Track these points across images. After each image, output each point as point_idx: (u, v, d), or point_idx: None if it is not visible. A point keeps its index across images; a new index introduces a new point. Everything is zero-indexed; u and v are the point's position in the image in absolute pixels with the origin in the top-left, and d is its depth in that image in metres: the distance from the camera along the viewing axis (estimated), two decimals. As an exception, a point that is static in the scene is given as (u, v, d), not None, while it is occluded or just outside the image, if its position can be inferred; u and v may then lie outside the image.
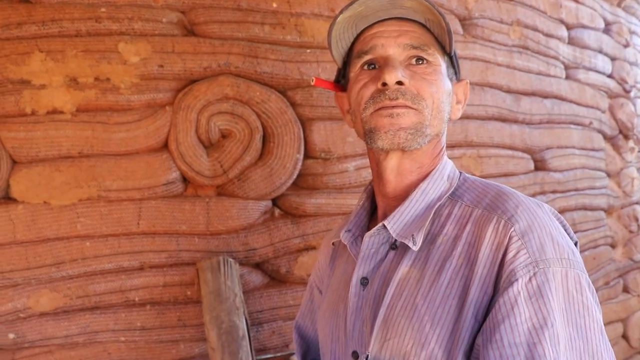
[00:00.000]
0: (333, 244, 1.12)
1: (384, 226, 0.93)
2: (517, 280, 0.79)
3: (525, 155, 3.05)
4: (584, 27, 3.63)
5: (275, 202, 2.20)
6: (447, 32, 0.91)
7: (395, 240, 0.93)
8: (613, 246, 3.87)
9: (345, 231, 1.03)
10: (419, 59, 0.92)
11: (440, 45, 0.95)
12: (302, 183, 2.21)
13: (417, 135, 0.90)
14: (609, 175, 3.86)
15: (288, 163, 2.14)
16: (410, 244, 0.89)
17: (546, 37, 3.25)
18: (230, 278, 1.97)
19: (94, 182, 1.96)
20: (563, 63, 3.41)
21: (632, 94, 4.24)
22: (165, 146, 2.04)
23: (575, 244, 0.90)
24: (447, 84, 0.95)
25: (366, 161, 2.30)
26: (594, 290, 0.84)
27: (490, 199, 0.89)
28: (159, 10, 2.05)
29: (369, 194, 1.07)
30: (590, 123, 3.62)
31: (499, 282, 0.81)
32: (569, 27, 3.50)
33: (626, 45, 4.20)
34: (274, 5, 2.19)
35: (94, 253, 1.97)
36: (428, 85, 0.91)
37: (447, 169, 0.98)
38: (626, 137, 4.10)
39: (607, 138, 3.88)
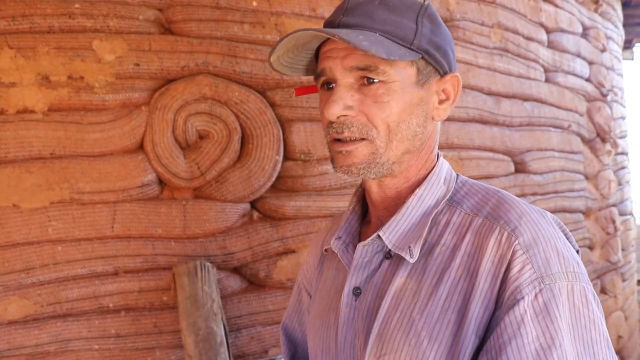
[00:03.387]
0: (326, 250, 1.06)
1: (379, 236, 0.89)
2: (523, 298, 0.76)
3: (505, 157, 3.04)
4: (563, 31, 3.65)
5: (253, 204, 2.15)
6: (384, 58, 0.79)
7: (390, 249, 0.89)
8: (591, 248, 3.90)
9: (336, 238, 0.98)
10: (370, 78, 0.84)
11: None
12: (282, 185, 2.17)
13: (371, 167, 0.86)
14: (587, 177, 3.89)
15: (267, 165, 2.09)
16: (407, 257, 0.85)
17: (526, 40, 3.26)
18: (207, 283, 1.92)
19: (66, 184, 1.90)
20: (543, 66, 3.42)
21: (608, 98, 4.29)
22: (140, 147, 1.99)
23: (577, 252, 0.87)
24: (411, 97, 0.86)
25: (347, 163, 2.27)
26: (599, 301, 0.82)
27: (492, 206, 0.85)
28: (136, 7, 1.99)
29: (360, 197, 1.03)
30: (569, 126, 3.64)
31: (500, 297, 0.78)
32: (548, 31, 3.52)
33: (603, 50, 4.25)
34: (254, 3, 2.15)
35: (66, 258, 1.90)
36: (379, 109, 0.84)
37: (443, 172, 0.93)
38: (603, 140, 4.14)
39: (585, 141, 3.92)
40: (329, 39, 0.87)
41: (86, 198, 1.92)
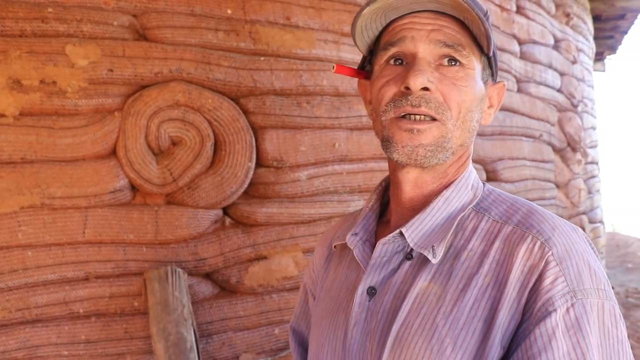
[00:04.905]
0: (335, 247, 1.01)
1: (401, 234, 0.85)
2: (555, 310, 0.73)
3: (477, 165, 3.10)
4: (535, 42, 3.73)
5: (226, 211, 2.17)
6: (486, 36, 0.81)
7: (412, 250, 0.85)
8: (561, 256, 3.97)
9: (352, 234, 0.93)
10: (452, 59, 0.82)
11: (478, 46, 0.85)
12: (254, 192, 2.19)
13: (438, 151, 0.82)
14: (557, 186, 3.97)
15: (239, 171, 2.11)
16: (429, 256, 0.81)
17: (499, 51, 3.33)
18: (178, 289, 1.92)
19: (37, 189, 1.89)
20: (515, 77, 3.49)
21: (579, 109, 4.38)
22: (113, 153, 1.99)
23: None
24: (479, 90, 0.85)
25: (319, 170, 2.29)
26: (624, 322, 0.80)
27: (522, 215, 0.82)
28: (110, 12, 1.99)
29: (379, 195, 0.98)
30: (541, 135, 3.72)
31: (529, 308, 0.75)
32: (520, 42, 3.59)
33: (574, 62, 4.35)
34: (229, 11, 2.17)
35: (36, 263, 1.89)
36: (457, 92, 0.81)
37: (471, 178, 0.90)
38: (574, 150, 4.23)
39: (556, 150, 4.00)
40: (410, 14, 0.84)
41: (57, 203, 1.91)
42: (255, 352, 2.16)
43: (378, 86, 0.86)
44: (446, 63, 0.82)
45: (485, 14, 0.84)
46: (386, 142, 0.84)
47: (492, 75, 0.89)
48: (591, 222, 4.61)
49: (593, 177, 4.75)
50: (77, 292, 1.94)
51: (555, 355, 0.71)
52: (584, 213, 4.40)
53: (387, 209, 0.98)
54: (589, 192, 4.60)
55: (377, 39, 0.91)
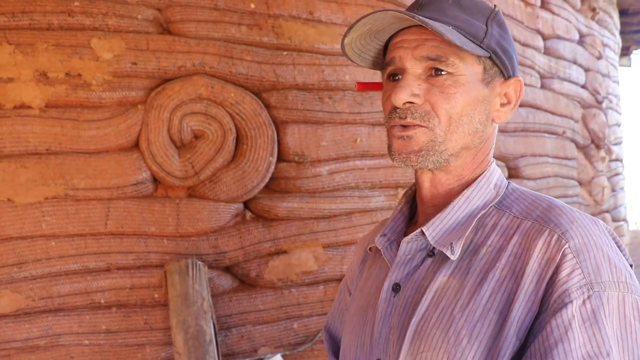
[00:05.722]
0: (370, 249, 1.06)
1: (422, 232, 0.89)
2: (571, 302, 0.74)
3: (499, 162, 3.07)
4: (559, 38, 3.68)
5: (246, 205, 2.18)
6: (467, 41, 0.84)
7: (434, 247, 0.89)
8: (582, 254, 3.92)
9: (381, 235, 0.98)
10: (438, 69, 0.86)
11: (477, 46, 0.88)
12: (275, 186, 2.19)
13: (430, 155, 0.87)
14: (580, 183, 3.92)
15: (261, 166, 2.11)
16: (447, 253, 0.85)
17: (523, 46, 3.28)
18: (198, 281, 1.94)
19: (61, 180, 1.91)
20: (538, 72, 3.44)
21: (604, 105, 4.32)
22: (136, 145, 2.00)
23: (631, 266, 0.84)
24: (477, 92, 0.88)
25: (340, 165, 2.29)
26: None
27: (542, 210, 0.84)
28: (134, 6, 2.00)
29: (409, 199, 1.02)
30: (564, 132, 3.67)
31: (546, 300, 0.76)
32: (544, 38, 3.54)
33: (599, 57, 4.27)
34: (252, 5, 2.16)
35: (59, 253, 1.92)
36: (444, 100, 0.86)
37: (494, 177, 0.93)
38: (598, 147, 4.17)
39: (579, 147, 3.94)
40: (402, 30, 0.89)
41: (80, 194, 1.93)
42: (274, 346, 2.17)
43: (382, 101, 0.93)
44: (434, 74, 0.86)
45: (464, 22, 0.87)
46: (389, 150, 0.91)
47: (503, 71, 0.91)
48: (615, 220, 4.55)
49: (617, 174, 4.68)
50: (98, 283, 1.96)
51: (571, 346, 0.72)
52: (607, 211, 4.34)
53: (417, 211, 1.01)
54: (613, 190, 4.53)
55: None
